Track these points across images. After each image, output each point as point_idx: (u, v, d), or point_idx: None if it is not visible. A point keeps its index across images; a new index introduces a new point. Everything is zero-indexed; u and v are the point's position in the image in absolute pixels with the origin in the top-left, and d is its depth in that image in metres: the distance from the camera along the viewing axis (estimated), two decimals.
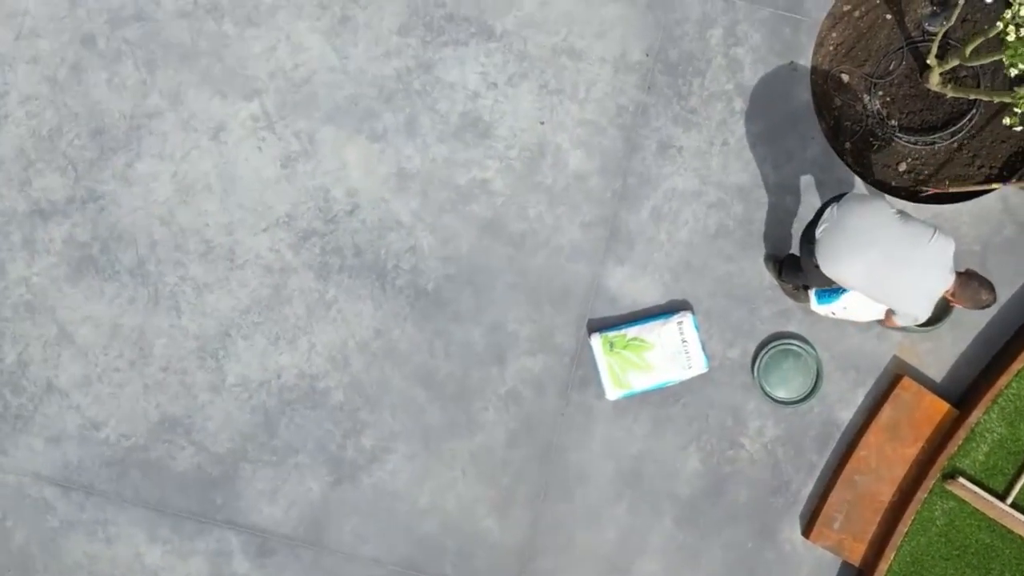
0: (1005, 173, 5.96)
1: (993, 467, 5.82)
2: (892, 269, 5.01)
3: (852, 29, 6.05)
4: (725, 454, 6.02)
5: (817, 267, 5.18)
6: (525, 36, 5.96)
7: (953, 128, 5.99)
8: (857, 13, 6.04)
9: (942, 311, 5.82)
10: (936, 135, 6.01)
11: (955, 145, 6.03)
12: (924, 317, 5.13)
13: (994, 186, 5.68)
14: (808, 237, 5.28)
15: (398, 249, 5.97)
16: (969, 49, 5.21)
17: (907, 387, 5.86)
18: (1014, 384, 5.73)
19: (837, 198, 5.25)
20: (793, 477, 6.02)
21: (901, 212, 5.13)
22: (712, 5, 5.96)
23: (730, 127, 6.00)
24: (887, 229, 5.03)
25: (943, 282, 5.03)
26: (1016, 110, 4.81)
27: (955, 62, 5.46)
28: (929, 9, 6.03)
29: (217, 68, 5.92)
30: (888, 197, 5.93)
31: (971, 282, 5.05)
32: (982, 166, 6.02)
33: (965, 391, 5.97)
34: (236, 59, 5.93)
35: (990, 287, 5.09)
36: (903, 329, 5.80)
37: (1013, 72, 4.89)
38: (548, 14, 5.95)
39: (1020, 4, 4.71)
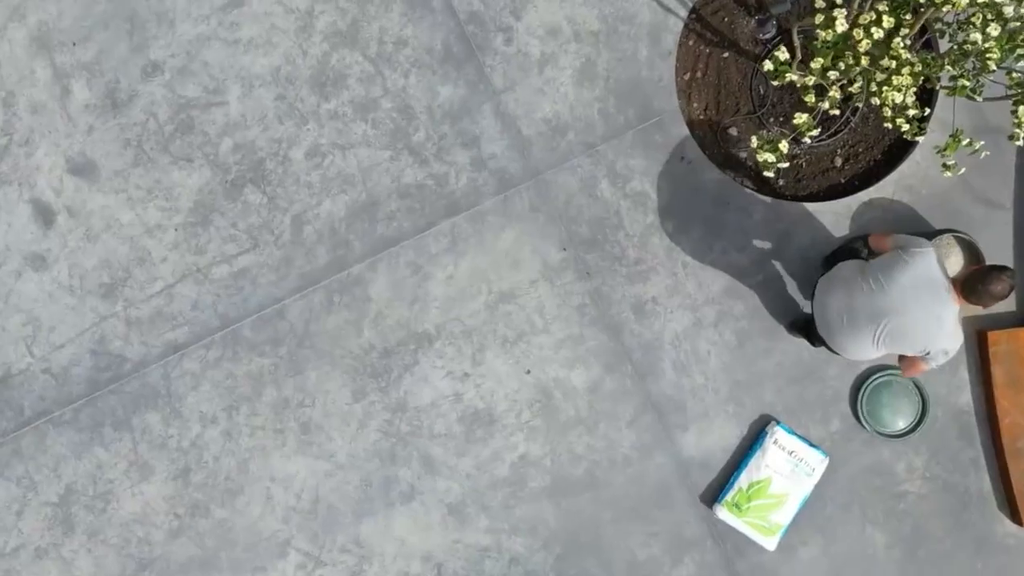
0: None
1: None
2: (901, 322, 4.82)
3: (705, 88, 5.89)
4: (897, 510, 5.78)
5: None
6: (456, 316, 5.78)
7: (852, 103, 5.83)
8: (699, 73, 5.89)
9: None
10: (843, 117, 5.84)
11: (865, 110, 5.86)
12: (957, 346, 4.87)
13: None
14: (819, 338, 5.23)
15: (502, 570, 5.75)
16: (820, 66, 4.93)
17: (997, 339, 5.65)
18: None
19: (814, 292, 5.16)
20: (968, 483, 5.78)
21: (864, 264, 4.96)
22: (581, 168, 5.79)
23: (678, 249, 5.81)
24: (865, 296, 4.88)
25: (948, 302, 4.74)
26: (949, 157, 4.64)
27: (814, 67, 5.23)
28: (754, 21, 5.89)
29: (238, 551, 5.72)
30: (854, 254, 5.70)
31: (977, 284, 4.68)
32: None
33: None
34: (246, 532, 5.72)
35: (1000, 271, 4.69)
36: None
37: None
38: (460, 284, 5.78)
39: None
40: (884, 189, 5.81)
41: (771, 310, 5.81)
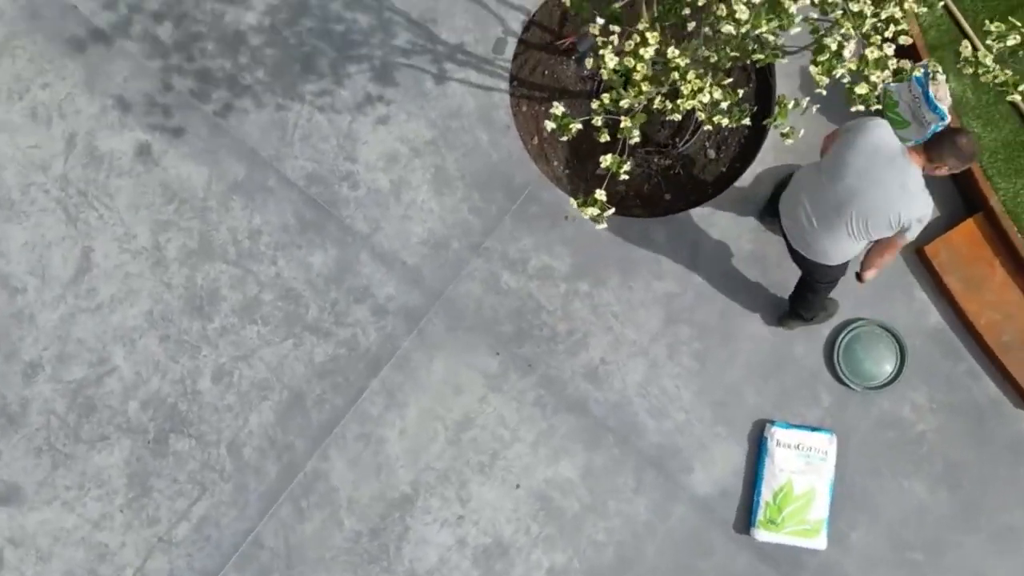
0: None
1: None
2: (867, 202, 4.62)
3: (557, 144, 5.78)
4: (922, 454, 5.59)
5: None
6: (425, 465, 5.56)
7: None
8: (544, 133, 5.78)
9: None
10: (694, 119, 5.72)
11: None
12: (929, 212, 4.65)
13: None
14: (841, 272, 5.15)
15: None
16: (601, 104, 4.45)
17: (935, 251, 5.52)
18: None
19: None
20: (975, 397, 5.61)
21: (818, 162, 4.86)
22: (478, 271, 5.64)
23: (602, 303, 5.65)
24: (826, 188, 4.74)
25: (908, 166, 4.56)
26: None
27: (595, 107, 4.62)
28: (573, 63, 5.80)
29: None
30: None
31: (945, 140, 4.54)
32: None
33: (963, 195, 5.64)
34: None
35: (961, 130, 4.63)
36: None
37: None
38: (414, 433, 5.56)
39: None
40: (766, 159, 5.71)
41: (714, 319, 5.66)
